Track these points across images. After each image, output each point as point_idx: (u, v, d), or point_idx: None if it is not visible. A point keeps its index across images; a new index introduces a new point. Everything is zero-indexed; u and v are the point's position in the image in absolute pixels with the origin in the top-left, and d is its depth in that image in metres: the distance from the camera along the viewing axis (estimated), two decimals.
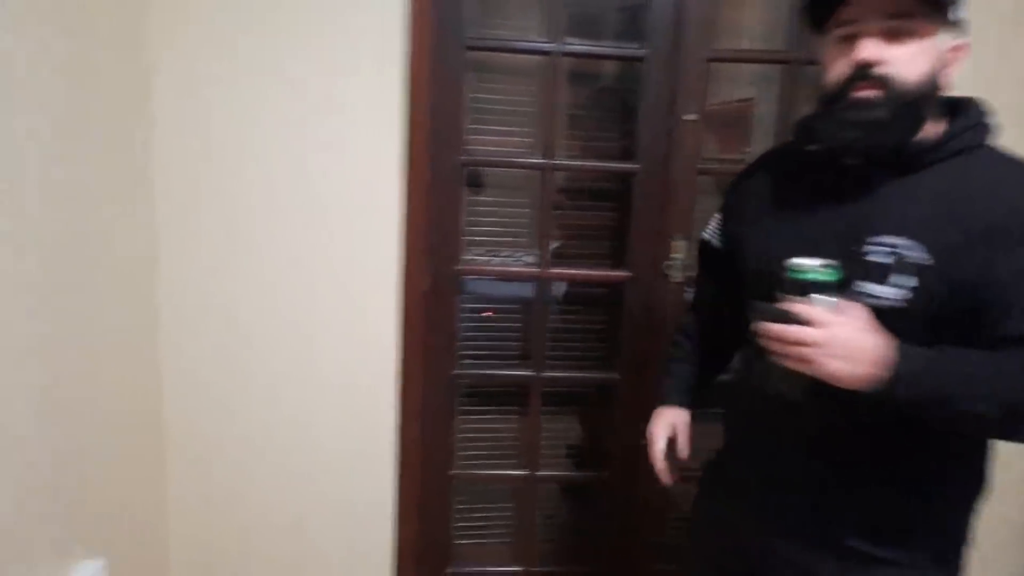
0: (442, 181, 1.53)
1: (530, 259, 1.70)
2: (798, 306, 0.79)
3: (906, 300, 0.81)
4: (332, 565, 1.61)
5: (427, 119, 1.46)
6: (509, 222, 1.76)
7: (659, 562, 1.74)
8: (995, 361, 0.77)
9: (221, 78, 1.39)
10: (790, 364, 0.80)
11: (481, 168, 1.69)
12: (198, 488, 1.54)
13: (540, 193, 1.61)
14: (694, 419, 1.14)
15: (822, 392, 0.80)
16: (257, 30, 1.38)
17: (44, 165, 1.05)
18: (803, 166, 0.93)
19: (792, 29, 1.56)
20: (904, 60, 0.81)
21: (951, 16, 0.82)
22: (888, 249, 0.82)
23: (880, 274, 0.82)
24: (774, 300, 0.82)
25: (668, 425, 1.13)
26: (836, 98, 0.84)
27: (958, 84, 0.86)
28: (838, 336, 0.76)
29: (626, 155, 1.66)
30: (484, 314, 1.83)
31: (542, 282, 1.65)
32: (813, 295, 0.79)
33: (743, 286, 1.00)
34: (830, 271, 0.80)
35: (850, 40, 0.83)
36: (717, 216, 1.11)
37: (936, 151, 0.84)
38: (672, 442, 1.12)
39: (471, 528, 1.84)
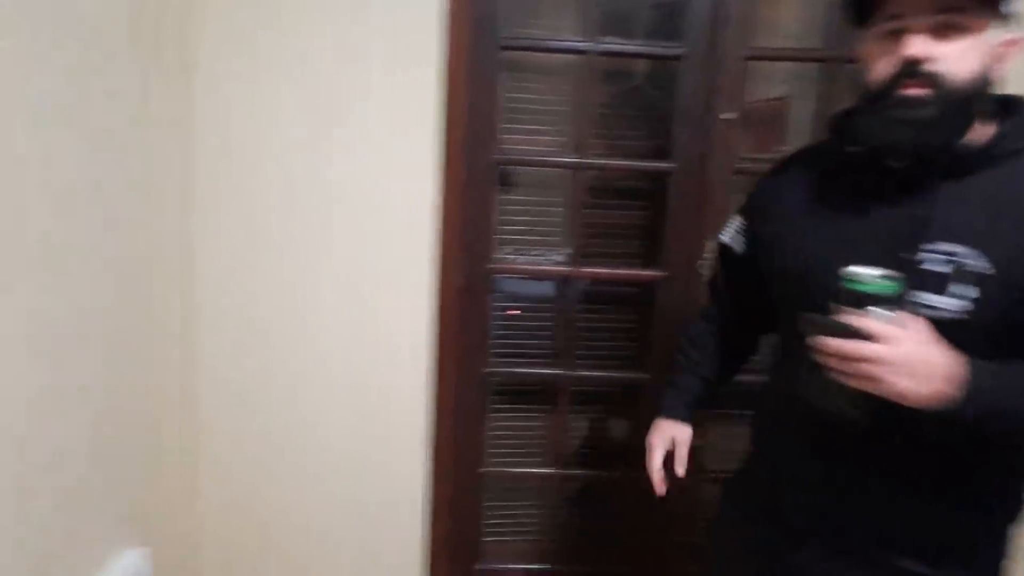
0: (476, 180, 1.54)
1: (559, 257, 1.70)
2: (862, 320, 0.74)
3: (967, 311, 0.77)
4: (361, 563, 1.62)
5: (463, 118, 1.47)
6: (539, 221, 1.76)
7: (688, 562, 1.73)
8: None
9: (250, 77, 1.40)
10: (852, 382, 0.75)
11: (511, 167, 1.70)
12: (225, 486, 1.56)
13: (571, 192, 1.61)
14: (715, 422, 1.13)
15: (885, 411, 0.76)
16: (284, 28, 1.39)
17: (53, 164, 1.03)
18: (841, 166, 0.90)
19: (829, 27, 1.54)
20: (954, 57, 0.77)
21: (1003, 9, 0.78)
22: (945, 257, 0.78)
23: (938, 284, 0.78)
24: (824, 310, 0.77)
25: (668, 439, 1.12)
26: (881, 96, 0.81)
27: (1009, 81, 0.83)
28: (906, 352, 0.72)
29: (659, 154, 1.65)
30: (510, 312, 1.83)
31: (572, 280, 1.65)
32: (870, 307, 0.74)
33: (775, 290, 0.97)
34: (890, 282, 0.75)
35: (896, 35, 0.80)
36: (738, 218, 1.08)
37: (988, 153, 0.81)
38: (669, 455, 1.12)
39: (499, 526, 1.85)
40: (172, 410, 1.42)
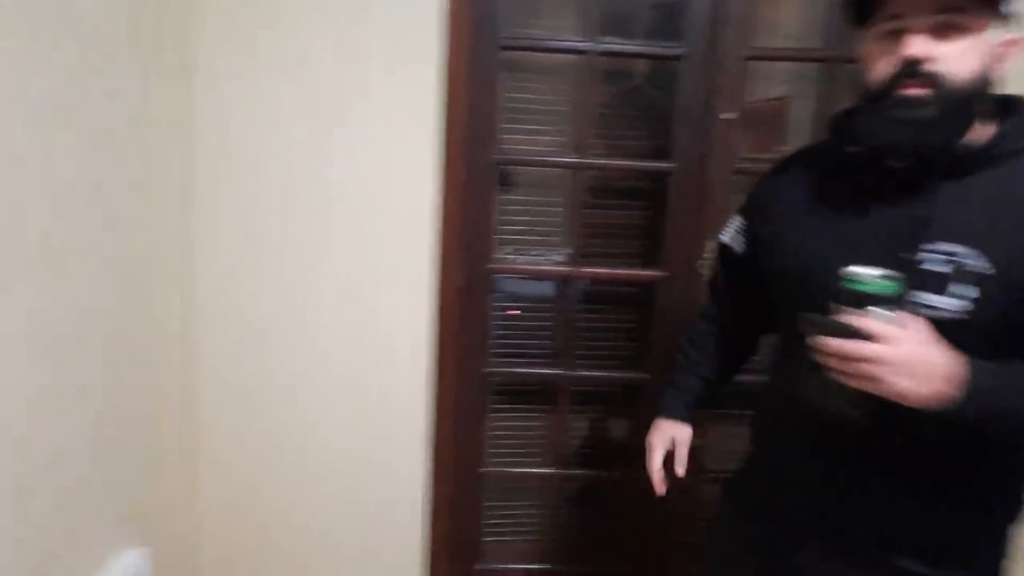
0: (476, 180, 1.54)
1: (559, 257, 1.70)
2: (862, 320, 0.74)
3: (967, 312, 0.77)
4: (361, 563, 1.62)
5: (464, 118, 1.47)
6: (539, 221, 1.76)
7: (688, 562, 1.73)
8: None
9: (250, 77, 1.40)
10: (852, 382, 0.75)
11: (511, 167, 1.70)
12: (225, 486, 1.56)
13: (571, 192, 1.61)
14: (715, 422, 1.13)
15: (885, 411, 0.76)
16: (284, 28, 1.39)
17: (53, 164, 1.03)
18: (841, 166, 0.90)
19: (829, 27, 1.54)
20: (954, 57, 0.77)
21: (1003, 9, 0.78)
22: (945, 257, 0.78)
23: (938, 284, 0.78)
24: (824, 310, 0.77)
25: (667, 439, 1.12)
26: (881, 96, 0.81)
27: (1009, 81, 0.84)
28: (906, 352, 0.72)
29: (659, 154, 1.65)
30: (510, 312, 1.83)
31: (572, 280, 1.65)
32: (870, 307, 0.74)
33: (775, 290, 0.98)
34: (890, 282, 0.75)
35: (896, 35, 0.80)
36: (738, 218, 1.08)
37: (988, 153, 0.81)
38: (669, 455, 1.12)
39: (499, 526, 1.85)
40: (172, 410, 1.42)
